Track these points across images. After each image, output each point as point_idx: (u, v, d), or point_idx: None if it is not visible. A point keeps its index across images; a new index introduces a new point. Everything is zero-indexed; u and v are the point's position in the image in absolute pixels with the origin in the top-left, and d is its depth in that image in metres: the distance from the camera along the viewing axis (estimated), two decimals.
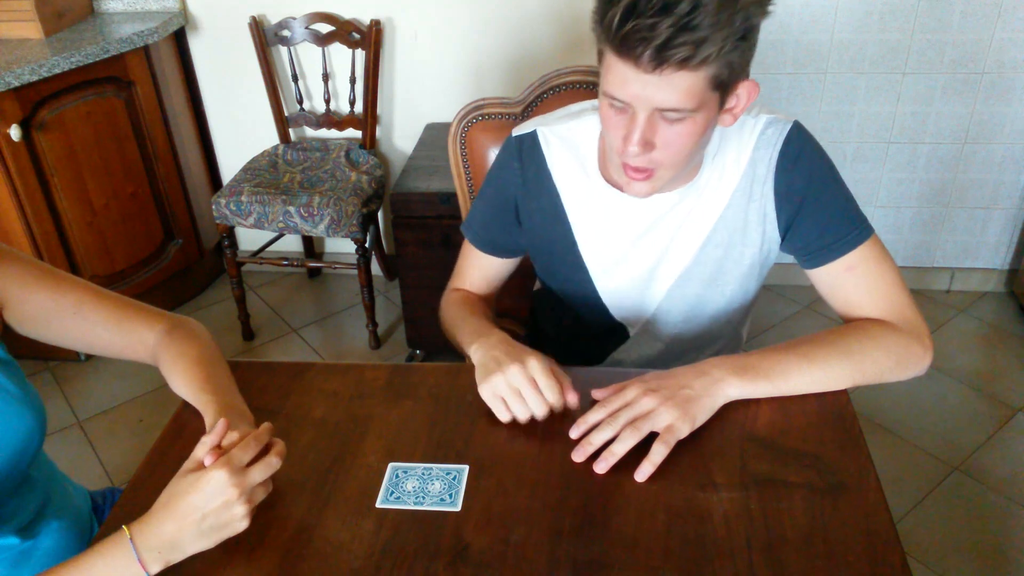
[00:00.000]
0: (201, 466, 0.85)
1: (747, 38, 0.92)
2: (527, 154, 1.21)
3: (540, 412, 1.01)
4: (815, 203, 1.10)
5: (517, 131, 1.23)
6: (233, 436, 0.88)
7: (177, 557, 0.84)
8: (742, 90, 0.99)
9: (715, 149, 1.12)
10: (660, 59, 0.90)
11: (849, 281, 1.11)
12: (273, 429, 0.93)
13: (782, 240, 1.16)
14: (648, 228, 1.17)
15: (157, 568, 0.83)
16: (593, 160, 1.17)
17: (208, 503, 0.84)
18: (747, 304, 1.27)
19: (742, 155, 1.11)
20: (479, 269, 1.32)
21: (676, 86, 0.93)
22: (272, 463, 0.90)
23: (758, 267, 1.20)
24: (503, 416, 1.02)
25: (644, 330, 1.28)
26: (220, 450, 0.86)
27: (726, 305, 1.23)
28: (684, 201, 1.14)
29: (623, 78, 0.95)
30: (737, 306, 1.24)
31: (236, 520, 0.86)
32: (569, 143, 1.18)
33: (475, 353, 1.08)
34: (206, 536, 0.85)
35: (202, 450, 0.86)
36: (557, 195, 1.20)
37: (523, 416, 1.01)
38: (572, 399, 1.02)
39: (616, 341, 1.31)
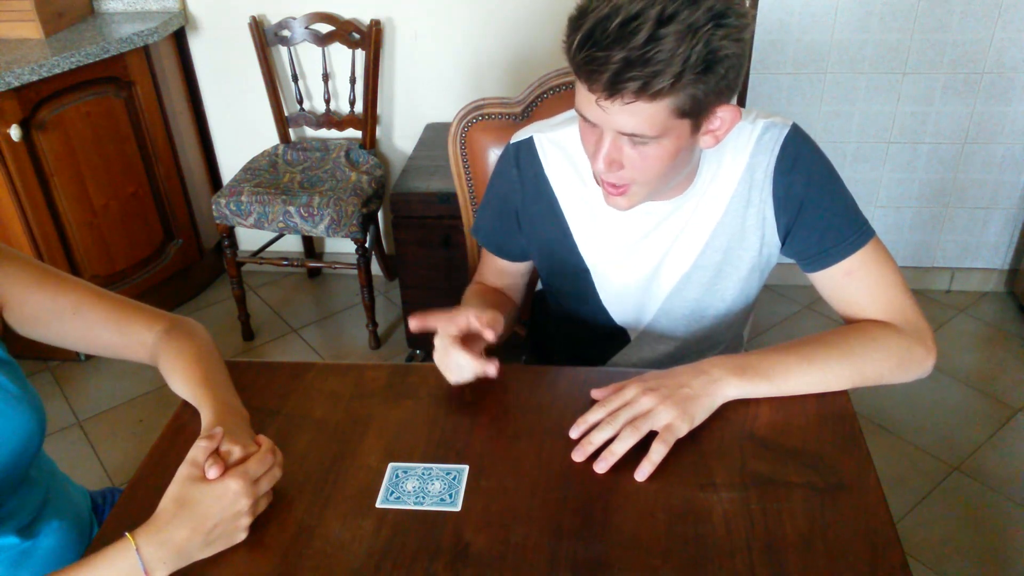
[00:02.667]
0: (203, 473, 0.85)
1: (712, 70, 0.90)
2: (524, 161, 1.21)
3: (465, 377, 1.04)
4: (814, 207, 1.10)
5: (515, 138, 1.24)
6: (236, 451, 0.89)
7: (181, 564, 0.84)
8: (724, 113, 0.98)
9: (712, 156, 1.11)
10: (613, 89, 0.90)
11: (850, 285, 1.11)
12: (273, 445, 0.93)
13: (782, 244, 1.15)
14: (645, 234, 1.17)
15: (161, 575, 0.83)
16: (587, 166, 1.17)
17: (222, 512, 0.85)
18: (748, 307, 1.27)
19: (739, 161, 1.11)
20: (494, 271, 1.34)
21: (634, 113, 0.93)
22: (275, 474, 0.92)
23: (758, 271, 1.20)
24: (451, 379, 1.06)
25: (644, 334, 1.28)
26: (222, 459, 0.87)
27: (727, 309, 1.23)
28: (681, 208, 1.14)
29: (586, 100, 0.95)
30: (738, 309, 1.24)
31: (240, 531, 0.87)
32: (564, 149, 1.18)
33: None
34: (211, 545, 0.86)
35: (200, 454, 0.87)
36: (555, 199, 1.20)
37: (464, 376, 1.04)
38: (489, 335, 1.04)
39: (617, 345, 1.31)
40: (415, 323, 1.04)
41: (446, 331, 1.03)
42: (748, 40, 0.94)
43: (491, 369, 1.03)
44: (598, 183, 1.16)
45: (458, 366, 1.03)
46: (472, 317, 1.04)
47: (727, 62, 0.91)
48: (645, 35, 0.86)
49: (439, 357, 1.05)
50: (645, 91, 0.89)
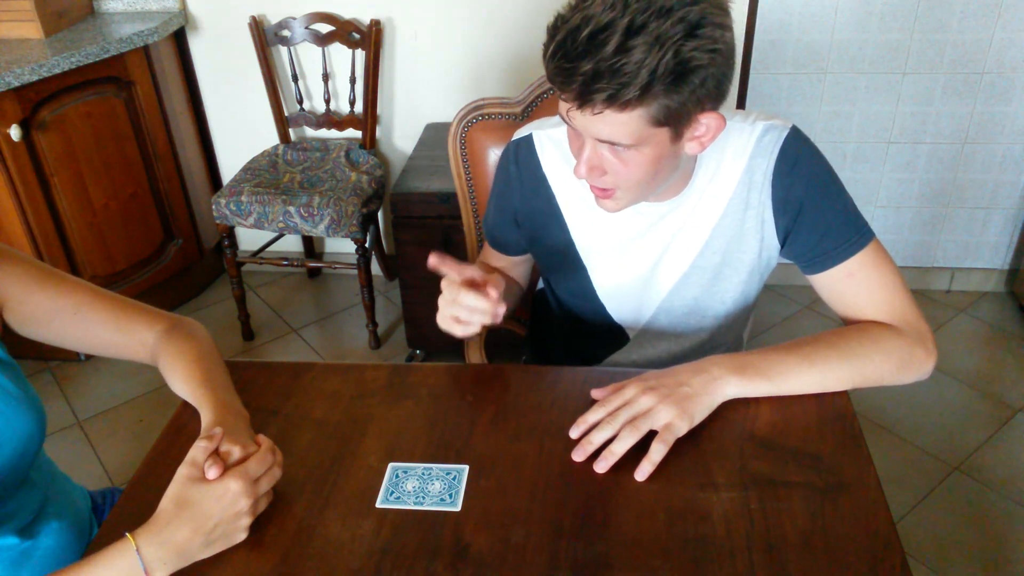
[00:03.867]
0: (203, 474, 0.85)
1: (684, 80, 0.90)
2: (523, 157, 1.22)
3: (482, 318, 1.03)
4: (814, 210, 1.10)
5: (516, 135, 1.25)
6: (236, 451, 0.89)
7: (182, 565, 0.84)
8: (708, 120, 0.97)
9: (711, 157, 1.11)
10: (582, 100, 0.91)
11: (850, 287, 1.11)
12: (273, 445, 0.94)
13: (781, 247, 1.15)
14: (641, 233, 1.17)
15: (162, 575, 0.83)
16: None
17: (223, 512, 0.85)
18: (748, 307, 1.27)
19: (738, 163, 1.11)
20: (493, 262, 1.36)
21: (608, 122, 0.93)
22: (275, 474, 0.92)
23: (758, 273, 1.20)
24: (458, 332, 1.06)
25: (643, 333, 1.28)
26: (221, 460, 0.87)
27: (726, 311, 1.23)
28: (678, 209, 1.14)
29: (563, 108, 0.97)
30: (738, 310, 1.24)
31: (240, 531, 0.87)
32: (562, 147, 1.19)
33: None
34: (211, 545, 0.86)
35: (200, 455, 0.87)
36: (553, 196, 1.21)
37: (466, 328, 1.04)
38: (493, 293, 1.02)
39: (616, 344, 1.31)
40: (434, 259, 1.02)
41: (455, 278, 1.04)
42: (727, 49, 0.93)
43: (501, 310, 1.03)
44: None
45: (469, 310, 1.03)
46: (477, 272, 1.04)
47: (702, 72, 0.90)
48: (613, 46, 0.87)
49: (447, 305, 1.04)
50: (613, 102, 0.90)
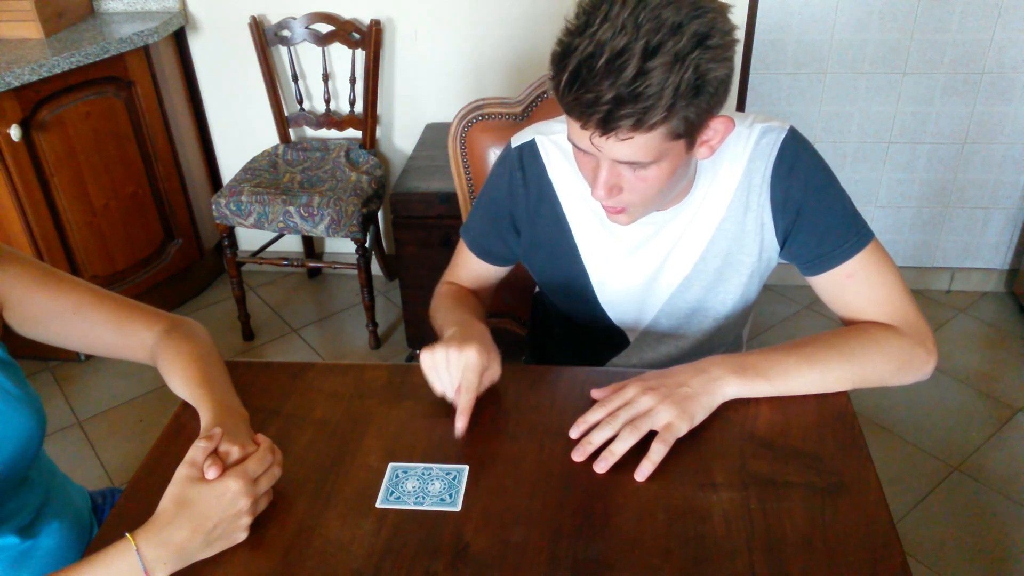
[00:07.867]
0: (202, 474, 0.85)
1: (702, 92, 0.89)
2: (528, 163, 1.21)
3: (449, 394, 1.03)
4: (813, 212, 1.10)
5: (516, 140, 1.23)
6: (235, 451, 0.89)
7: (182, 565, 0.84)
8: (717, 124, 0.97)
9: (710, 161, 1.11)
10: (606, 128, 0.90)
11: (850, 288, 1.10)
12: (272, 444, 0.94)
13: (781, 248, 1.15)
14: (645, 240, 1.17)
15: (162, 575, 0.83)
16: None
17: (222, 512, 0.85)
18: (748, 308, 1.27)
19: (737, 166, 1.11)
20: (472, 271, 1.33)
21: (630, 144, 0.92)
22: (275, 473, 0.92)
23: (758, 275, 1.19)
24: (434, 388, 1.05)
25: (644, 336, 1.28)
26: (220, 460, 0.87)
27: (727, 312, 1.23)
28: (681, 214, 1.14)
29: (580, 135, 0.95)
30: (738, 311, 1.24)
31: (240, 530, 0.87)
32: (566, 152, 1.18)
33: (446, 333, 1.10)
34: (211, 545, 0.86)
35: (199, 455, 0.87)
36: (558, 201, 1.20)
37: (438, 391, 1.04)
38: (459, 424, 1.00)
39: (616, 347, 1.31)
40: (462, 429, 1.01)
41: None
42: (734, 53, 0.93)
43: (458, 425, 1.01)
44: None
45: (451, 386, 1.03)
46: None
47: (716, 81, 0.90)
48: (633, 71, 0.85)
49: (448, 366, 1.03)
50: (640, 126, 0.89)
